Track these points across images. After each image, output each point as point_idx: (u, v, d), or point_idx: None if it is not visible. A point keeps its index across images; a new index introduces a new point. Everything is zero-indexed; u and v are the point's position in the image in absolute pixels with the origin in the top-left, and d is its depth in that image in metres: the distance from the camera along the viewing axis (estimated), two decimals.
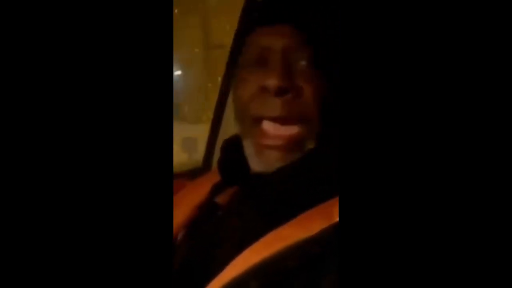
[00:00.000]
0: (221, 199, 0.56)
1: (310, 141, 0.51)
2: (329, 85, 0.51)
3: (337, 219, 0.45)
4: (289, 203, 0.49)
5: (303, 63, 0.51)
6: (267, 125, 0.51)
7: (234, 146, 0.57)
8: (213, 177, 0.60)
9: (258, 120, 0.52)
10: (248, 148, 0.54)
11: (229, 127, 1.01)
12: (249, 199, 0.52)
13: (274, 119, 0.51)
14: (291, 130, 0.51)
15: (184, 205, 0.58)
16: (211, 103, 1.09)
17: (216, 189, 0.58)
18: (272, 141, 0.51)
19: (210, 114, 1.07)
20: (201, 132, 1.25)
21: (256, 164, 0.52)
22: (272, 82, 0.49)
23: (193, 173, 0.95)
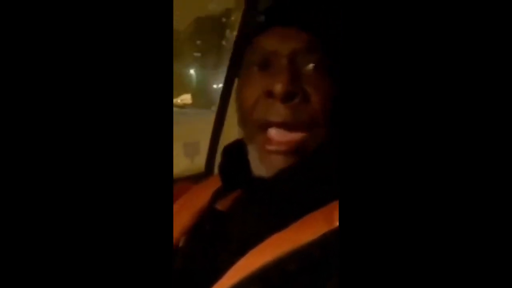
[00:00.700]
0: (222, 204, 0.55)
1: (315, 146, 0.51)
2: (337, 89, 0.50)
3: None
4: (291, 206, 0.49)
5: (310, 67, 0.50)
6: (272, 131, 0.50)
7: (235, 151, 0.57)
8: (215, 182, 0.60)
9: (263, 126, 0.51)
10: (252, 153, 0.53)
11: (231, 131, 1.01)
12: (250, 204, 0.52)
13: (279, 125, 0.50)
14: (297, 136, 0.50)
15: (186, 210, 0.58)
16: None
17: (218, 194, 0.58)
18: (276, 147, 0.50)
19: None
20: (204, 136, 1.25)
21: (260, 169, 0.52)
22: (279, 87, 0.48)
23: (196, 178, 0.95)
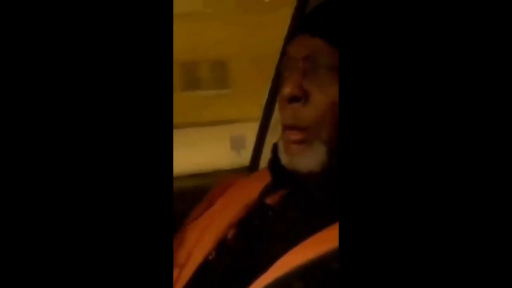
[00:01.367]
0: (271, 200, 0.57)
1: (318, 141, 0.53)
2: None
3: None
4: (335, 206, 0.50)
5: (322, 70, 0.52)
6: (287, 130, 0.55)
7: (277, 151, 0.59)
8: (263, 176, 0.62)
9: (283, 127, 0.55)
10: (280, 147, 0.57)
11: (278, 127, 1.02)
12: (297, 201, 0.54)
13: (287, 126, 0.54)
14: (300, 135, 0.53)
15: (234, 204, 0.60)
16: None
17: (267, 190, 0.60)
18: (290, 137, 0.54)
19: None
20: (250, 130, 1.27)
21: (284, 158, 0.56)
22: (286, 90, 0.52)
23: (242, 172, 0.97)
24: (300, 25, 0.58)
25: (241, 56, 9.84)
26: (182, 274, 0.55)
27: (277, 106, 0.59)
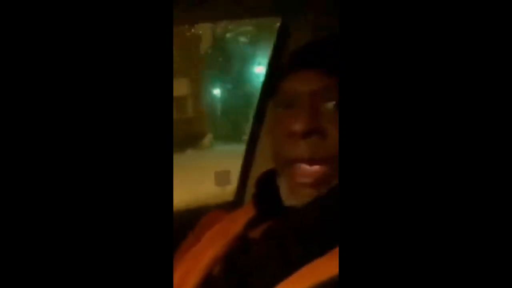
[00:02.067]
0: (255, 233, 0.57)
1: (337, 178, 0.53)
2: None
3: None
4: (324, 237, 0.50)
5: (330, 105, 0.53)
6: (298, 166, 0.53)
7: (269, 181, 0.59)
8: (248, 211, 0.62)
9: (290, 162, 0.54)
10: (283, 185, 0.56)
11: (262, 161, 1.03)
12: (283, 233, 0.54)
13: (303, 161, 0.53)
14: (321, 169, 0.53)
15: (220, 238, 0.60)
16: None
17: (251, 223, 0.60)
18: (303, 179, 0.53)
19: None
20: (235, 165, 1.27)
21: (290, 200, 0.55)
22: (299, 126, 0.52)
23: (227, 207, 0.97)
24: (296, 61, 0.58)
25: None
26: None
27: (273, 142, 0.57)
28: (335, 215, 0.50)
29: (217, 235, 0.61)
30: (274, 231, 0.55)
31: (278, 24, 0.94)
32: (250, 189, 1.07)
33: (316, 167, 0.53)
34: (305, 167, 0.53)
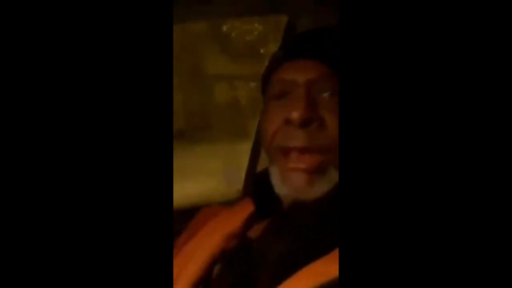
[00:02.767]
0: (255, 231, 0.57)
1: (333, 167, 0.53)
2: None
3: None
4: (322, 237, 0.50)
5: (326, 95, 0.53)
6: (293, 155, 0.53)
7: (264, 179, 0.59)
8: (245, 206, 0.62)
9: (284, 151, 0.54)
10: (274, 174, 0.56)
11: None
12: (282, 233, 0.53)
13: (299, 150, 0.53)
14: (316, 158, 0.52)
15: (217, 234, 0.59)
16: None
17: (250, 221, 0.59)
18: (296, 164, 0.53)
19: None
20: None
21: (282, 188, 0.54)
22: (296, 114, 0.51)
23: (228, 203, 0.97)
24: (290, 50, 0.58)
25: None
26: None
27: (269, 131, 0.56)
28: (334, 215, 0.50)
29: (213, 230, 0.60)
30: (274, 230, 0.55)
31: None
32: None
33: (310, 155, 0.52)
34: (300, 154, 0.53)
